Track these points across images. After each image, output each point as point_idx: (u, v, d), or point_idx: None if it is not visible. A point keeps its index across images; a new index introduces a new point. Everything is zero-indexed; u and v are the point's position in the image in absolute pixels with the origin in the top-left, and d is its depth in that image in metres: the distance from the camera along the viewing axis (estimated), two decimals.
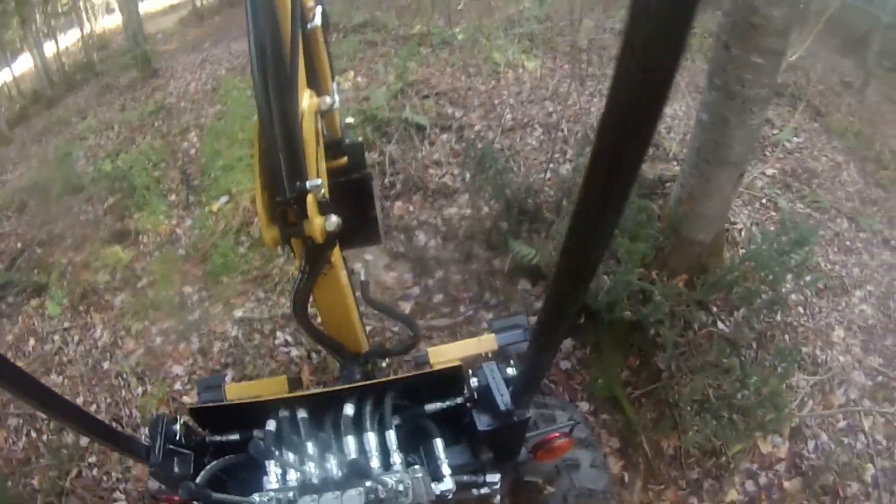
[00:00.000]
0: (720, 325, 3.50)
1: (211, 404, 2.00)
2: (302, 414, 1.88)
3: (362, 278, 2.69)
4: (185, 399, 4.10)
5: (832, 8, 5.20)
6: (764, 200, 4.61)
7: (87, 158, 7.16)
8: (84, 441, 4.05)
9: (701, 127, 3.12)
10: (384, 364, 3.67)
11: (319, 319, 2.36)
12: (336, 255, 1.97)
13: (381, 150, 5.38)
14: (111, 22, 14.41)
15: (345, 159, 2.62)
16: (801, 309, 3.85)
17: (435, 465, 1.81)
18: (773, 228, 3.55)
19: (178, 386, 4.21)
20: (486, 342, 2.75)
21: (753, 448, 3.33)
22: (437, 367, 2.01)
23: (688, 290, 3.32)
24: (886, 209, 4.94)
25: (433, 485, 1.70)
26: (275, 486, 1.71)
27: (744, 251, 3.38)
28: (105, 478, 3.89)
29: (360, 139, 2.43)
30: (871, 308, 4.03)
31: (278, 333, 4.27)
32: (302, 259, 1.88)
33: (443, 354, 2.75)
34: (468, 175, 4.88)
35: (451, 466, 1.82)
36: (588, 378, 3.68)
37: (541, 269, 3.94)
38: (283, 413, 1.89)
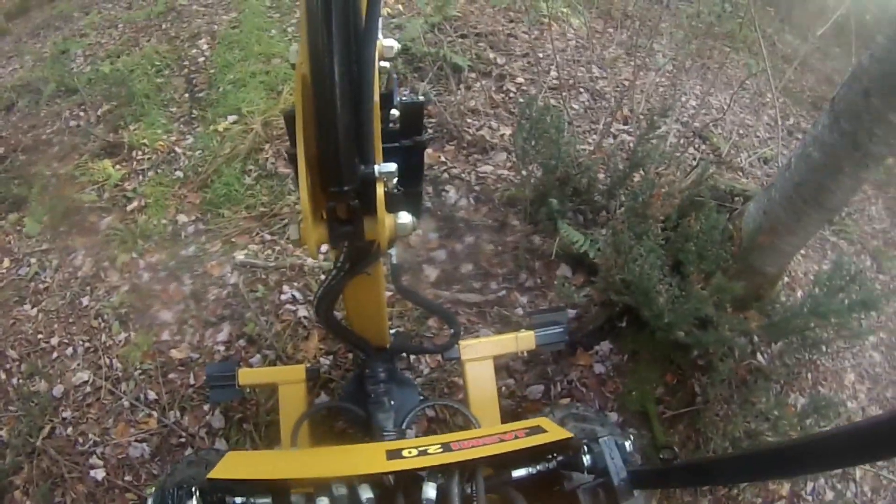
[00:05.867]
0: (759, 356, 3.14)
1: (239, 478, 1.40)
2: (367, 494, 1.31)
3: (393, 261, 2.10)
4: (174, 353, 3.35)
5: None
6: None
7: (85, 58, 6.11)
8: (57, 391, 3.33)
9: (808, 164, 2.62)
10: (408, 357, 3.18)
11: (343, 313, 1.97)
12: None
13: (414, 87, 4.49)
14: None
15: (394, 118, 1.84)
16: (824, 347, 3.40)
17: None
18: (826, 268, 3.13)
19: (165, 336, 3.43)
20: (523, 340, 2.56)
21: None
22: (546, 438, 1.47)
23: (747, 322, 2.92)
24: None
25: None
26: None
27: (808, 299, 2.88)
28: (81, 439, 3.17)
29: (423, 98, 1.82)
30: (879, 355, 3.75)
31: (285, 287, 3.47)
32: (341, 256, 1.41)
33: (476, 351, 2.48)
34: (510, 132, 4.11)
35: None
36: (622, 388, 3.15)
37: (585, 258, 3.32)
38: (340, 491, 1.30)
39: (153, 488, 1.38)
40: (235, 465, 1.52)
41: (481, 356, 2.50)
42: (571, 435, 1.46)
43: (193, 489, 1.34)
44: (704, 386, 2.95)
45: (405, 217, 1.28)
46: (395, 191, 1.22)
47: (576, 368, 3.20)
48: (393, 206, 1.24)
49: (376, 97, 1.12)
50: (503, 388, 3.09)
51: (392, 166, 1.13)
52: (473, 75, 4.64)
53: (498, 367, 2.72)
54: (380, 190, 1.16)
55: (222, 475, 1.36)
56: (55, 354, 3.50)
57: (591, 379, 3.19)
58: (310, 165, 1.10)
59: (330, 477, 1.33)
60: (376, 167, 1.11)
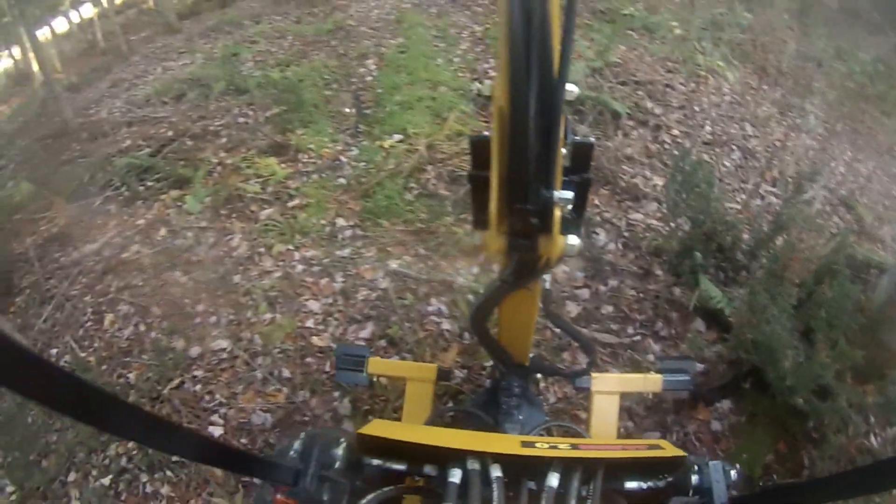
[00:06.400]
0: (872, 438, 2.94)
1: (389, 438, 1.47)
2: (496, 472, 1.39)
3: (546, 286, 2.17)
4: (315, 340, 3.45)
5: None
6: None
7: (254, 63, 6.59)
8: (194, 351, 3.50)
9: None
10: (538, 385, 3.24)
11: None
12: None
13: (573, 129, 4.57)
14: None
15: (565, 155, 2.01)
16: None
17: None
18: None
19: (310, 323, 3.55)
20: (651, 381, 2.56)
21: None
22: (662, 454, 1.51)
23: (864, 396, 2.82)
24: None
25: None
26: None
27: None
28: (207, 397, 3.31)
29: (592, 139, 1.86)
30: None
31: (433, 300, 3.54)
32: (510, 268, 1.44)
33: (606, 384, 2.54)
34: (662, 183, 4.12)
35: None
36: (734, 448, 3.03)
37: (720, 315, 3.29)
38: (473, 465, 1.40)
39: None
40: (382, 427, 1.59)
41: (610, 390, 2.52)
42: (686, 454, 1.46)
43: (342, 439, 1.41)
44: (814, 459, 2.86)
45: (574, 239, 1.32)
46: (568, 216, 1.28)
47: (694, 422, 3.13)
48: (564, 228, 1.30)
49: (561, 133, 1.19)
50: (622, 429, 3.04)
51: (569, 194, 1.19)
52: (631, 123, 4.66)
53: (621, 408, 2.72)
54: (557, 213, 1.22)
55: (370, 433, 1.43)
56: (198, 320, 3.69)
57: (707, 434, 3.12)
58: (501, 187, 1.18)
59: (467, 450, 1.38)
60: (556, 193, 1.17)
